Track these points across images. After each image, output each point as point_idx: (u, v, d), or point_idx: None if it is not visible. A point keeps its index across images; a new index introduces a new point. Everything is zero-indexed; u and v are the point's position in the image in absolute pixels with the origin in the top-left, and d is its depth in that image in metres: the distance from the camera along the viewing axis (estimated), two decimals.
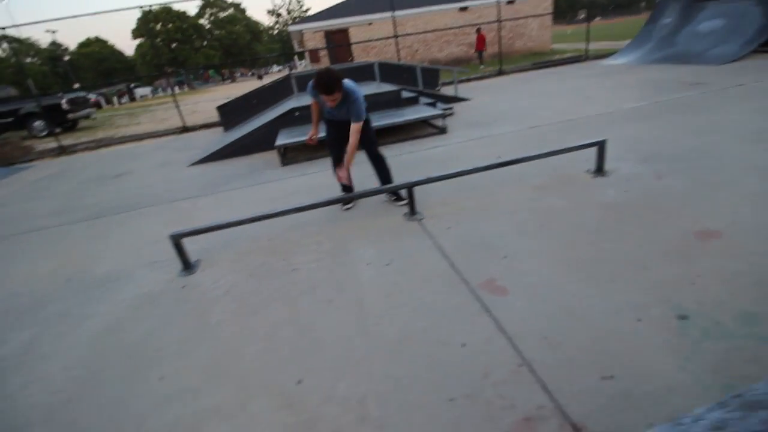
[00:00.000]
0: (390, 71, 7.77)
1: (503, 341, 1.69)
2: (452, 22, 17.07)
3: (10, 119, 11.97)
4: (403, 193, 3.14)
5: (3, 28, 9.55)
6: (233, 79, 47.06)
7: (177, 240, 2.61)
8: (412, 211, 2.97)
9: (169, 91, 38.15)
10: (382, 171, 3.22)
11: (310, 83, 2.78)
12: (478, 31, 14.80)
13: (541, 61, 12.77)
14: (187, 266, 2.70)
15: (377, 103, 5.89)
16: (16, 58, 33.43)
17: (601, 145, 3.18)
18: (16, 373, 1.97)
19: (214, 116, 11.69)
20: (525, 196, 3.06)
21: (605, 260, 2.16)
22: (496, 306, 1.91)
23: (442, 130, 5.36)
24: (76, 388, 1.80)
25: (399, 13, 10.38)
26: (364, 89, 7.07)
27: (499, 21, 10.66)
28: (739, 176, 2.89)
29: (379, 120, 5.26)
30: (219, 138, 7.83)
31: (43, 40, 47.99)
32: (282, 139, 5.03)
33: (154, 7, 9.83)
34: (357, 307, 2.04)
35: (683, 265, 2.04)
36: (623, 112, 5.11)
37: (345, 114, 2.83)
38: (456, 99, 7.30)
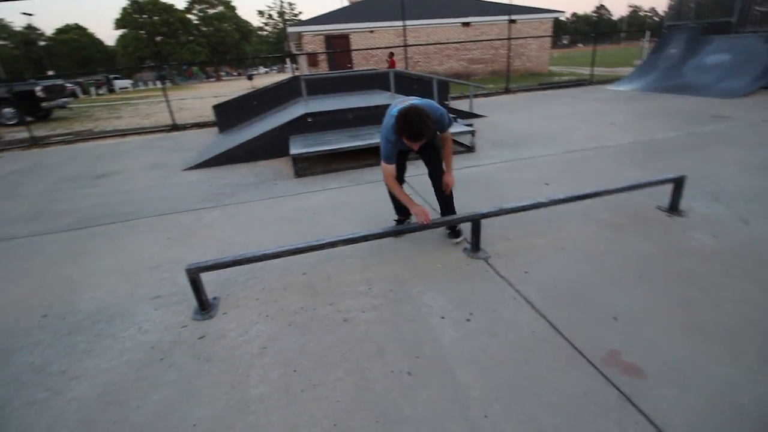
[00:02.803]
0: (402, 81, 7.38)
1: None
2: (455, 36, 17.00)
3: None
4: (460, 227, 2.70)
5: None
6: (218, 78, 45.74)
7: (194, 275, 2.06)
8: (475, 247, 2.52)
9: (150, 84, 36.58)
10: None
11: (390, 129, 2.18)
12: (391, 56, 12.59)
13: (547, 82, 12.75)
14: (204, 306, 2.14)
15: None
16: None
17: (678, 182, 2.85)
18: None
19: (204, 115, 11.01)
20: (601, 235, 2.67)
21: (738, 328, 1.77)
22: (639, 395, 1.47)
23: (470, 149, 4.97)
24: None
25: (403, 23, 10.07)
26: (378, 99, 6.69)
27: (509, 39, 10.52)
28: None
29: None
30: (215, 139, 7.20)
31: (18, 22, 45.47)
32: (297, 148, 4.51)
33: None
34: (449, 387, 1.56)
35: None
36: (659, 142, 4.87)
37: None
38: (473, 115, 6.96)
